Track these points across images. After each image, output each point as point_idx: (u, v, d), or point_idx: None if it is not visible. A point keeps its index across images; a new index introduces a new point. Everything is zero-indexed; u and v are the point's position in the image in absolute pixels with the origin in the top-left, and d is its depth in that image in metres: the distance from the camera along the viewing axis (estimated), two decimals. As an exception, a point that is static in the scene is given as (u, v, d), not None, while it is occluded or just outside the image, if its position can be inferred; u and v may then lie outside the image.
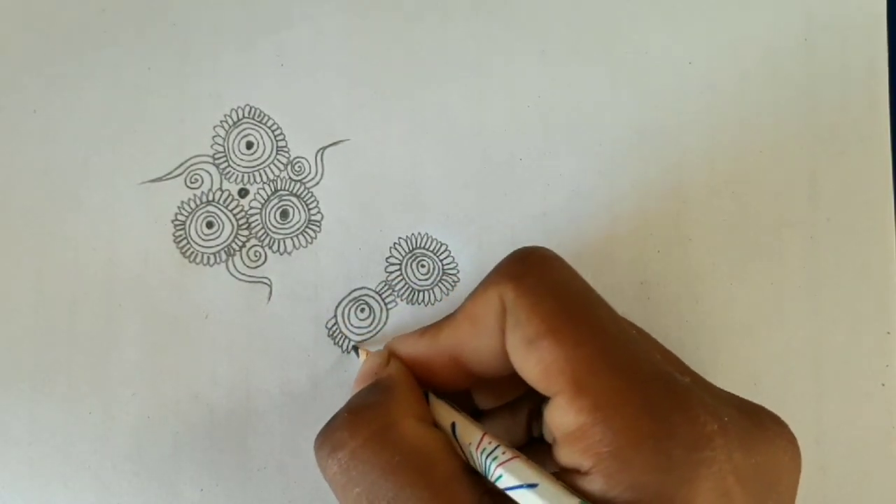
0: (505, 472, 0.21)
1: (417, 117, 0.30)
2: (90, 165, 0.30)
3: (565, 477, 0.20)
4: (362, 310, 0.29)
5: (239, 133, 0.30)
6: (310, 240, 0.30)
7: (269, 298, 0.29)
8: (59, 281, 0.29)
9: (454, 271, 0.30)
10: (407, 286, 0.30)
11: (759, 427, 0.21)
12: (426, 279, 0.30)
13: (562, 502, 0.20)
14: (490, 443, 0.22)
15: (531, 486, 0.20)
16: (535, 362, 0.21)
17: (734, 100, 0.30)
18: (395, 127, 0.30)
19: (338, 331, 0.29)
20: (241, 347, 0.29)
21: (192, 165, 0.30)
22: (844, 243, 0.30)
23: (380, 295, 0.30)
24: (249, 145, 0.30)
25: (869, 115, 0.30)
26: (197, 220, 0.30)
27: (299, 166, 0.30)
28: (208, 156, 0.30)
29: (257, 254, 0.30)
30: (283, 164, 0.30)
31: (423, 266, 0.30)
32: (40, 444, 0.29)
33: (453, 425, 0.23)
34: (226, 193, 0.30)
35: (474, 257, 0.30)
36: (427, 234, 0.30)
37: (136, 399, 0.29)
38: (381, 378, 0.24)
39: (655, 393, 0.20)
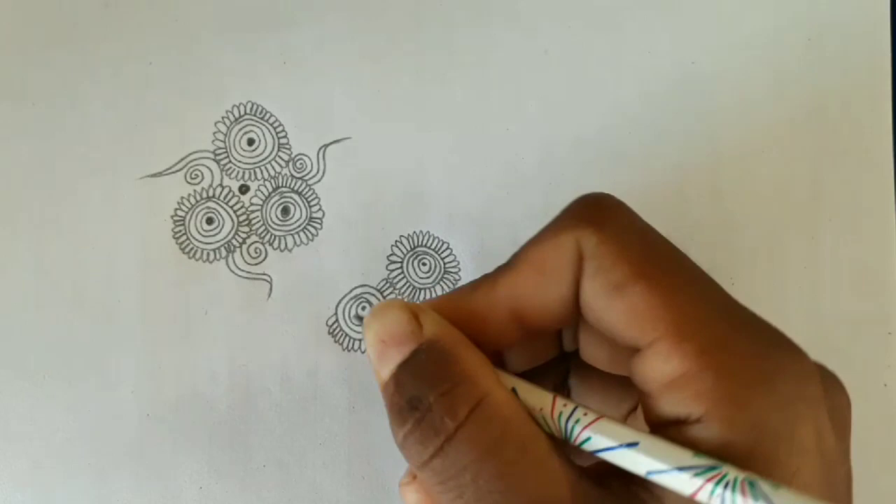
0: (594, 434, 0.19)
1: (420, 115, 0.30)
2: (90, 160, 0.29)
3: (663, 430, 0.19)
4: (363, 308, 0.29)
5: (240, 129, 0.30)
6: (311, 237, 0.30)
7: (270, 295, 0.29)
8: (58, 277, 0.29)
9: (456, 270, 0.30)
10: (408, 284, 0.30)
11: (828, 373, 0.21)
12: (427, 277, 0.30)
13: (674, 456, 0.18)
14: (565, 405, 0.20)
15: (631, 444, 0.18)
16: (623, 309, 0.19)
17: (737, 100, 0.30)
18: (397, 125, 0.30)
19: (338, 329, 0.29)
20: (240, 345, 0.29)
21: (192, 161, 0.30)
22: (846, 244, 0.30)
23: (381, 293, 0.30)
24: (251, 142, 0.30)
25: (871, 115, 0.30)
26: (197, 216, 0.30)
27: (301, 163, 0.30)
28: (209, 151, 0.30)
29: (258, 250, 0.30)
30: (284, 160, 0.30)
31: (424, 264, 0.30)
32: (40, 442, 0.28)
33: (513, 390, 0.20)
34: (226, 189, 0.30)
35: (476, 256, 0.30)
36: (429, 232, 0.30)
37: (135, 396, 0.29)
38: (433, 340, 0.20)
39: (754, 332, 0.19)
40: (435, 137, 0.30)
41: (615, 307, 0.19)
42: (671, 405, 0.19)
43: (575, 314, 0.21)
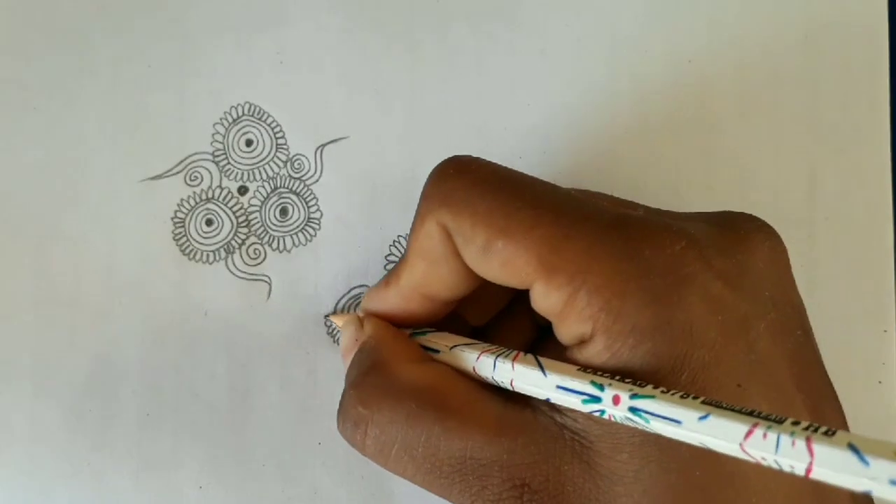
0: (514, 375, 0.21)
1: (417, 115, 0.30)
2: (89, 163, 0.30)
3: (575, 355, 0.21)
4: (362, 307, 0.30)
5: (238, 130, 0.30)
6: (309, 237, 0.30)
7: (269, 296, 0.29)
8: (58, 278, 0.29)
9: (454, 269, 0.30)
10: (406, 284, 0.30)
11: (731, 229, 0.21)
12: (426, 277, 0.30)
13: (569, 374, 0.20)
14: (489, 354, 0.22)
15: (543, 371, 0.20)
16: (498, 266, 0.21)
17: (734, 98, 0.30)
18: (394, 125, 0.30)
19: (337, 329, 0.29)
20: (240, 345, 0.29)
21: (191, 163, 0.30)
22: (843, 242, 0.30)
23: (379, 293, 0.30)
24: (249, 143, 0.30)
25: (869, 113, 0.30)
26: (196, 218, 0.30)
27: (299, 164, 0.30)
28: (208, 153, 0.30)
29: (257, 251, 0.30)
30: (282, 161, 0.30)
31: (422, 264, 0.30)
32: (40, 442, 0.29)
33: (455, 352, 0.23)
34: (225, 191, 0.30)
35: (474, 255, 0.30)
36: (427, 231, 0.30)
37: (135, 396, 0.29)
38: (364, 342, 0.24)
39: (616, 238, 0.20)
40: (433, 137, 0.30)
41: (492, 266, 0.21)
42: (566, 333, 0.20)
43: (474, 277, 0.22)
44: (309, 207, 0.30)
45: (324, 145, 0.30)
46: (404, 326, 0.25)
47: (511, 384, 0.21)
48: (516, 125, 0.30)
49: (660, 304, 0.19)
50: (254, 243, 0.30)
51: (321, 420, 0.29)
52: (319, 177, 0.30)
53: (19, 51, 0.30)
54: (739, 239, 0.21)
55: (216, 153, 0.30)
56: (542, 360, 0.21)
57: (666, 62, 0.31)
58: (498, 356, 0.22)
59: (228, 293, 0.29)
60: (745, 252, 0.21)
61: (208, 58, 0.30)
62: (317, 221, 0.30)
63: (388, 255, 0.30)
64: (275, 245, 0.30)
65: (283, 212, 0.30)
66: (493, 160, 0.30)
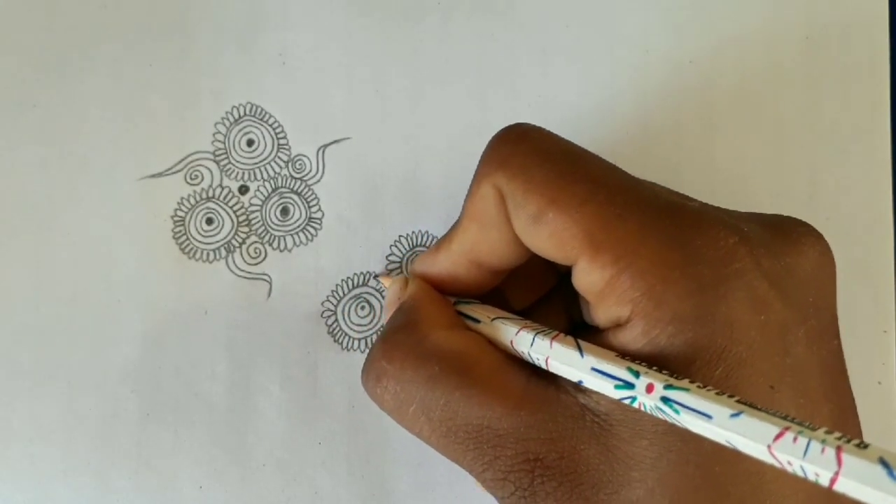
0: (551, 353, 0.21)
1: (419, 115, 0.30)
2: (90, 160, 0.30)
3: (609, 339, 0.20)
4: (363, 307, 0.29)
5: (240, 130, 0.30)
6: (310, 237, 0.30)
7: (269, 295, 0.29)
8: (58, 277, 0.29)
9: (455, 269, 0.30)
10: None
11: (782, 232, 0.21)
12: (427, 277, 0.30)
13: (606, 359, 0.20)
14: (529, 330, 0.22)
15: (581, 353, 0.20)
16: (546, 237, 0.20)
17: (734, 99, 0.30)
18: (396, 125, 0.30)
19: (338, 328, 0.29)
20: (240, 344, 0.29)
21: (192, 162, 0.30)
22: (843, 242, 0.30)
23: (381, 293, 0.30)
24: (250, 142, 0.30)
25: (869, 114, 0.30)
26: (197, 217, 0.30)
27: (300, 164, 0.30)
28: (209, 152, 0.30)
29: (257, 251, 0.30)
30: (283, 161, 0.30)
31: (423, 264, 0.30)
32: (40, 441, 0.28)
33: (496, 323, 0.23)
34: (226, 190, 0.30)
35: (475, 255, 0.30)
36: (428, 231, 0.30)
37: (135, 396, 0.29)
38: (404, 301, 0.24)
39: (669, 225, 0.20)
40: (434, 137, 0.30)
41: (539, 236, 0.21)
42: (604, 313, 0.20)
43: (524, 248, 0.22)
44: (310, 207, 0.30)
45: (325, 146, 0.30)
46: (450, 295, 0.25)
47: (546, 362, 0.21)
48: (517, 125, 0.30)
49: (704, 295, 0.19)
50: (254, 242, 0.30)
51: (321, 420, 0.29)
52: (321, 177, 0.30)
53: (20, 49, 0.30)
54: (790, 242, 0.21)
55: (217, 152, 0.30)
56: (581, 342, 0.21)
57: (666, 62, 0.31)
58: (538, 333, 0.22)
59: (229, 292, 0.29)
60: (794, 255, 0.21)
61: (210, 57, 0.30)
62: (318, 221, 0.30)
63: (390, 255, 0.30)
64: (275, 244, 0.30)
65: (284, 211, 0.30)
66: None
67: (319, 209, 0.30)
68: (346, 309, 0.29)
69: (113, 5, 0.30)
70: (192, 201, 0.30)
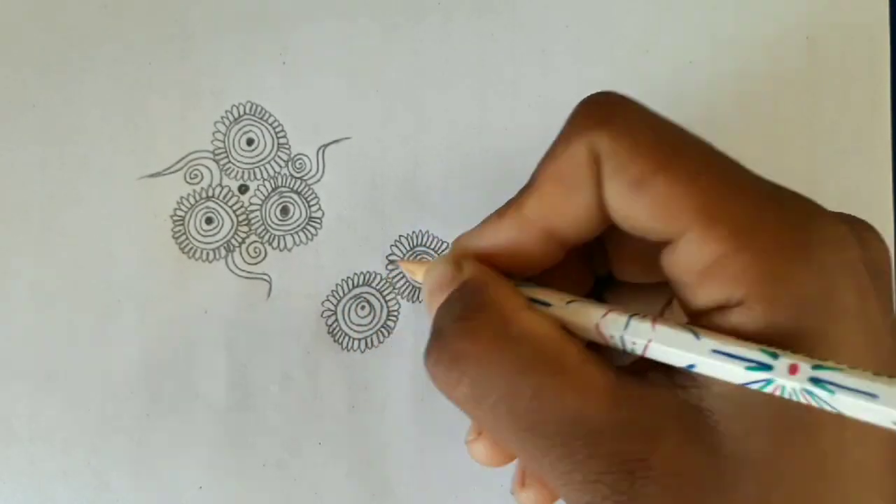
0: (654, 335, 0.19)
1: (419, 115, 0.30)
2: (89, 160, 0.29)
3: (705, 319, 0.19)
4: (363, 307, 0.29)
5: (240, 129, 0.30)
6: (310, 237, 0.30)
7: (269, 295, 0.29)
8: (58, 276, 0.29)
9: (455, 269, 0.30)
10: (408, 284, 0.30)
11: (860, 226, 0.20)
12: (427, 277, 0.30)
13: (730, 341, 0.18)
14: (619, 312, 0.20)
15: (695, 334, 0.18)
16: (648, 204, 0.19)
17: (734, 99, 0.30)
18: (396, 125, 0.30)
19: (338, 328, 0.29)
20: (240, 344, 0.29)
21: (191, 161, 0.30)
22: (843, 243, 0.30)
23: (380, 292, 0.30)
24: (250, 142, 0.30)
25: (870, 114, 0.30)
26: (196, 216, 0.30)
27: (300, 163, 0.30)
28: (208, 151, 0.30)
29: (257, 250, 0.30)
30: (283, 160, 0.30)
31: (423, 263, 0.30)
32: (40, 442, 0.28)
33: (575, 307, 0.21)
34: (226, 189, 0.30)
35: (475, 255, 0.30)
36: (428, 231, 0.30)
37: (135, 396, 0.29)
38: (467, 281, 0.21)
39: (784, 206, 0.19)
40: (434, 137, 0.30)
41: (639, 203, 0.19)
42: (710, 292, 0.18)
43: (604, 220, 0.20)
44: (310, 207, 0.30)
45: (325, 145, 0.30)
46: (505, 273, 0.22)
47: (645, 346, 0.19)
48: (516, 125, 0.30)
49: (826, 280, 0.18)
50: (254, 242, 0.30)
51: (321, 420, 0.29)
52: (321, 176, 0.30)
53: (20, 48, 0.30)
54: (870, 236, 0.20)
55: (217, 151, 0.30)
56: (691, 328, 0.19)
57: (666, 63, 0.31)
58: (632, 315, 0.19)
59: (228, 292, 0.29)
60: (875, 249, 0.20)
61: (210, 57, 0.30)
62: (318, 221, 0.30)
63: (390, 254, 0.30)
64: (275, 244, 0.30)
65: (284, 211, 0.30)
66: (493, 160, 0.30)
67: (319, 209, 0.30)
68: (346, 309, 0.29)
69: (113, 5, 0.30)
70: (192, 201, 0.30)
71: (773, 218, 0.18)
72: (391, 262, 0.27)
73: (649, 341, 0.19)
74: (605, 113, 0.20)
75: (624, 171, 0.19)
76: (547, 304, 0.21)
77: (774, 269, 0.18)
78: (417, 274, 0.24)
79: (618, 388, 0.19)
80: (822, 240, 0.18)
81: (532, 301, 0.21)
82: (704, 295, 0.19)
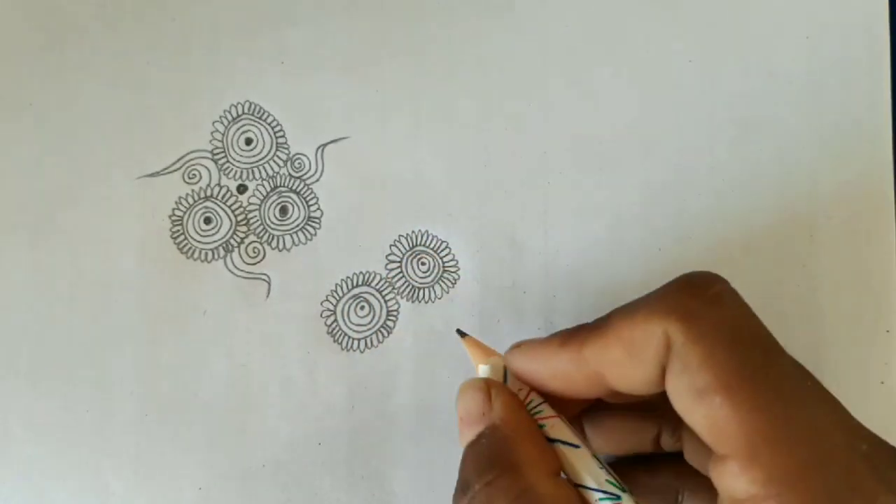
0: None
1: (418, 115, 0.30)
2: (87, 159, 0.29)
3: None
4: (362, 307, 0.29)
5: (238, 129, 0.30)
6: (309, 236, 0.30)
7: (268, 295, 0.29)
8: (56, 276, 0.29)
9: (454, 269, 0.30)
10: (407, 284, 0.30)
11: None
12: (427, 277, 0.30)
13: None
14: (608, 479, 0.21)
15: None
16: (703, 415, 0.19)
17: (734, 98, 0.30)
18: (395, 125, 0.30)
19: (337, 328, 0.29)
20: (239, 344, 0.29)
21: (190, 160, 0.30)
22: (845, 241, 0.30)
23: (380, 292, 0.30)
24: (249, 141, 0.30)
25: (870, 113, 0.30)
26: (195, 216, 0.30)
27: (299, 163, 0.30)
28: (207, 151, 0.30)
29: (256, 250, 0.30)
30: (282, 160, 0.30)
31: (423, 263, 0.30)
32: (39, 442, 0.28)
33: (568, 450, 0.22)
34: (224, 189, 0.30)
35: (475, 255, 0.30)
36: (427, 231, 0.30)
37: (133, 397, 0.29)
38: (496, 427, 0.22)
39: (833, 471, 0.18)
40: (433, 137, 0.30)
41: (697, 412, 0.19)
42: (729, 498, 0.19)
43: (660, 391, 0.21)
44: (309, 206, 0.30)
45: (324, 145, 0.30)
46: (543, 393, 0.23)
47: None
48: (516, 125, 0.30)
49: None
50: (253, 242, 0.30)
51: (321, 420, 0.29)
52: (320, 176, 0.30)
53: (18, 48, 0.30)
54: None
55: (215, 151, 0.30)
56: None
57: (666, 62, 0.30)
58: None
59: (227, 292, 0.29)
60: None
61: (208, 56, 0.30)
62: (317, 220, 0.30)
63: (389, 254, 0.30)
64: (274, 244, 0.30)
65: (283, 211, 0.30)
66: (493, 161, 0.30)
67: (318, 208, 0.30)
68: (346, 309, 0.29)
69: (111, 5, 0.30)
70: (190, 200, 0.30)
71: (814, 481, 0.18)
72: (461, 334, 0.26)
73: None
74: (692, 304, 0.20)
75: (690, 376, 0.19)
76: (576, 447, 0.22)
77: None
78: (475, 357, 0.25)
79: None
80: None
81: (561, 443, 0.22)
82: (726, 495, 0.19)
